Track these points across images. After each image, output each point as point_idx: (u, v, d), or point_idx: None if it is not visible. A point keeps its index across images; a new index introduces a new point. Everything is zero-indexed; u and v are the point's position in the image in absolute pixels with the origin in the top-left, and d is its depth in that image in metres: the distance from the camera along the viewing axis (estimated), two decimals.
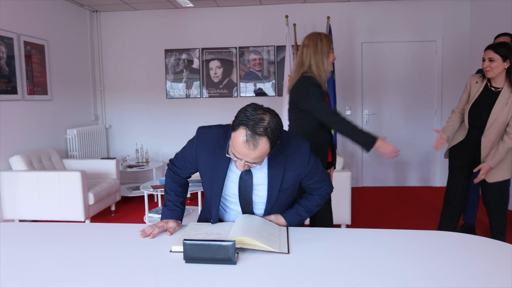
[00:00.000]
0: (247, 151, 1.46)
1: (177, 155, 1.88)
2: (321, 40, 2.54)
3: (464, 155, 3.01)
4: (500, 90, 2.79)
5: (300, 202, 1.84)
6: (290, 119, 2.64)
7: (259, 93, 5.83)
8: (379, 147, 2.21)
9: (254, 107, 1.50)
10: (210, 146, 1.70)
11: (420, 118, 5.71)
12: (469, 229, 3.58)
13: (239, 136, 1.46)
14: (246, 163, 1.52)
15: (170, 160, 1.90)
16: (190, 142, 1.78)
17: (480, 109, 2.86)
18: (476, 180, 2.88)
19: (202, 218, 1.93)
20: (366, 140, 2.26)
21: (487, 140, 2.84)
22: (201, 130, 1.75)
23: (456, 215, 3.12)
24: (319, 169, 1.77)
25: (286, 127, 4.66)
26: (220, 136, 1.69)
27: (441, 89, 5.63)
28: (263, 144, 1.46)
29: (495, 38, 3.47)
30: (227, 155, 1.57)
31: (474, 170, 2.92)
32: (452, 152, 3.10)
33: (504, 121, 2.78)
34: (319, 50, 2.51)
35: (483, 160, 2.87)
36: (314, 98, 2.40)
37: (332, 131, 2.59)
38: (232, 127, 1.50)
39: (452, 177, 3.11)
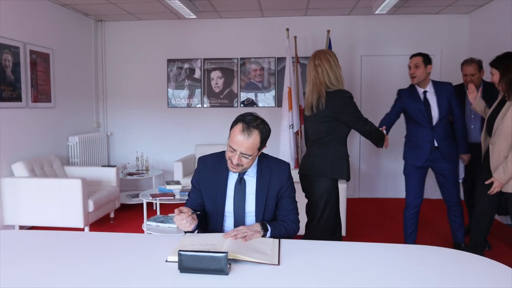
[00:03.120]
0: (242, 140, 1.74)
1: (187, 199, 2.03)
2: (330, 56, 2.68)
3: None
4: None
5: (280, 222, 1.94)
6: (321, 132, 2.68)
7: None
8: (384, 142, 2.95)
9: (251, 113, 1.82)
10: (210, 165, 1.94)
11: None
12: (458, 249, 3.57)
13: (237, 128, 1.77)
14: (241, 154, 1.75)
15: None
16: (193, 175, 2.00)
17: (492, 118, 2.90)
18: (491, 192, 2.81)
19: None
20: (380, 142, 2.89)
21: (494, 148, 2.82)
22: (201, 157, 2.01)
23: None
24: (293, 191, 2.00)
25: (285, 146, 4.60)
26: (218, 156, 1.95)
27: None
28: (255, 136, 1.76)
29: (410, 57, 3.45)
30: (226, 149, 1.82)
31: (486, 182, 2.84)
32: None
33: (506, 133, 2.72)
34: (332, 65, 2.65)
35: (493, 170, 2.81)
36: (358, 114, 2.69)
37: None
38: (231, 125, 1.80)
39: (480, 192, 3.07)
